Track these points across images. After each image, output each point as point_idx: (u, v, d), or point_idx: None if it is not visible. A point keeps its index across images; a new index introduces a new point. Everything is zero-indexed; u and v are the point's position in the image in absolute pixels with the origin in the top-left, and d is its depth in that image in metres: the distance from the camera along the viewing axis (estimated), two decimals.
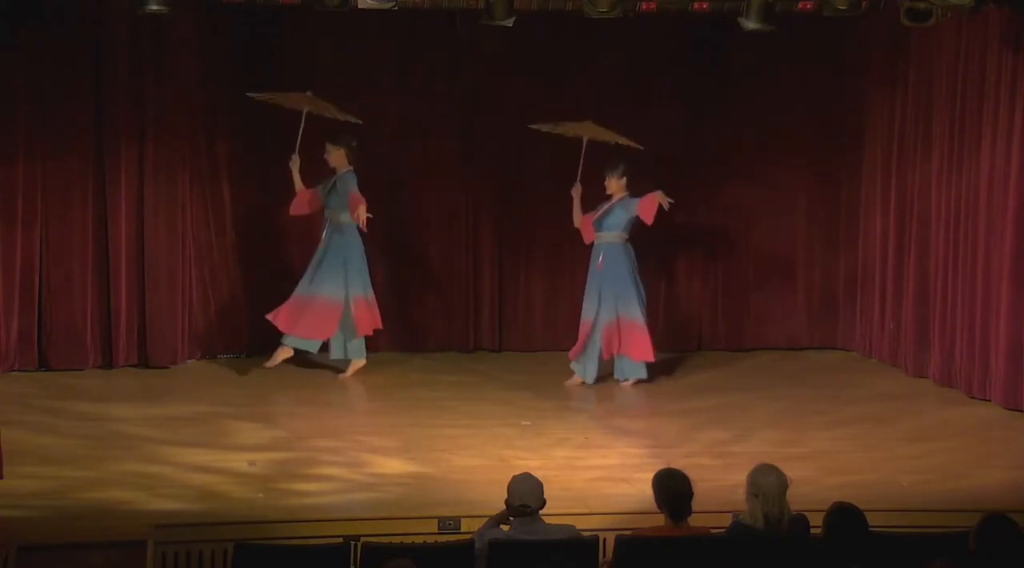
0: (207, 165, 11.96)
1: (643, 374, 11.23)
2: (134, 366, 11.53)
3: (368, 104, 11.75)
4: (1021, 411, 10.27)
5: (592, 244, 11.30)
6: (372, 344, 12.12)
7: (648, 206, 10.96)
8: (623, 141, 11.10)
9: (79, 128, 11.31)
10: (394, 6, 9.91)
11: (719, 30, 11.83)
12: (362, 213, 10.80)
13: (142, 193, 11.50)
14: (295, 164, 11.18)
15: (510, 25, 9.97)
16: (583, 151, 11.13)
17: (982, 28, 10.68)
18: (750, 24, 9.86)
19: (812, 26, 11.56)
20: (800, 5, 10.18)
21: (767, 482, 6.35)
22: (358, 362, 11.34)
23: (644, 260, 11.83)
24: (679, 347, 12.47)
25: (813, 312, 12.84)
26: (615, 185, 11.11)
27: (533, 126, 11.28)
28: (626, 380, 11.24)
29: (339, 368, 11.40)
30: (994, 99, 10.59)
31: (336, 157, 11.11)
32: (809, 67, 12.48)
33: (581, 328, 11.22)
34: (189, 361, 11.80)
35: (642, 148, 11.11)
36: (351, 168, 11.11)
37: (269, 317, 11.17)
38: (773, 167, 12.61)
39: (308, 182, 11.32)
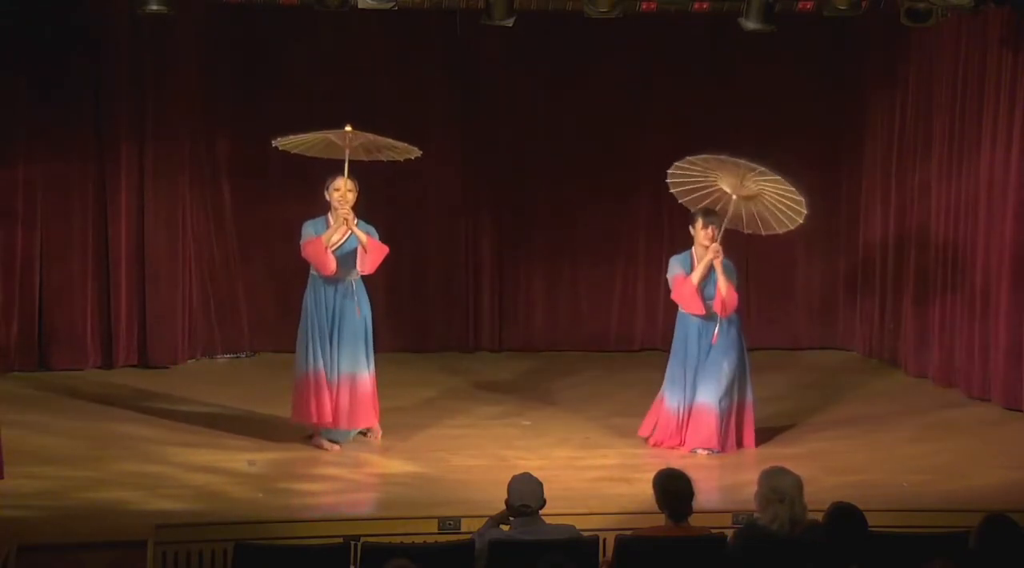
0: (207, 165, 11.96)
1: None
2: (134, 366, 11.53)
3: (367, 104, 11.72)
4: (1021, 411, 10.28)
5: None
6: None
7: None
8: (395, 154, 9.41)
9: (79, 128, 11.32)
10: (394, 6, 9.91)
11: (719, 30, 11.83)
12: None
13: (142, 193, 11.51)
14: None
15: (510, 25, 9.98)
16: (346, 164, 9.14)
17: (982, 28, 10.68)
18: (750, 24, 9.86)
19: (812, 26, 11.56)
20: (800, 5, 10.19)
21: (786, 484, 6.27)
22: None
23: (644, 259, 11.82)
24: None
25: (813, 312, 12.84)
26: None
27: (277, 144, 9.26)
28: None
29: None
30: (994, 99, 10.59)
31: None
32: (809, 67, 12.48)
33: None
34: (189, 361, 11.80)
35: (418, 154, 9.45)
36: None
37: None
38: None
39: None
